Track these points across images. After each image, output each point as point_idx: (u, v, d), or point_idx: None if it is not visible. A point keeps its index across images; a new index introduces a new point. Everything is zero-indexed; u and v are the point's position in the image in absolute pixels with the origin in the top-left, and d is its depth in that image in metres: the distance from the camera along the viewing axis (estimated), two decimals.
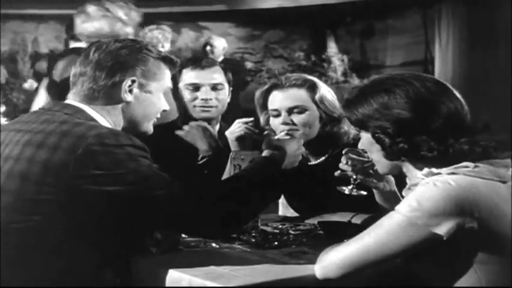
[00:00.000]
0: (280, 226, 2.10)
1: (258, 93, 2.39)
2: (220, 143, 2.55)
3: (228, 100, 2.63)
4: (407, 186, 1.67)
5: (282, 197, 2.66)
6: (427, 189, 1.50)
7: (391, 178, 2.00)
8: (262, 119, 2.40)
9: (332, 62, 8.30)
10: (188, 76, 2.56)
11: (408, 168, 1.64)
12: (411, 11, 7.22)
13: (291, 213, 2.53)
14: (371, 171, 1.95)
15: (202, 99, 2.53)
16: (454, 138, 1.56)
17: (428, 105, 1.57)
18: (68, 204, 1.53)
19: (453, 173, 1.53)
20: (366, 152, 1.78)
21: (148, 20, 8.07)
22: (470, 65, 5.91)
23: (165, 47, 5.80)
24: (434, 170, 1.57)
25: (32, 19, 8.01)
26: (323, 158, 2.39)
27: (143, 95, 1.76)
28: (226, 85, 2.59)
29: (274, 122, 2.31)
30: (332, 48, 8.53)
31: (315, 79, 2.36)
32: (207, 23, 8.35)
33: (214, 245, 1.91)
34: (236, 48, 8.71)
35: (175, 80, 2.58)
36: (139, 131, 1.80)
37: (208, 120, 2.56)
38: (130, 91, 1.73)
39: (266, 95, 2.36)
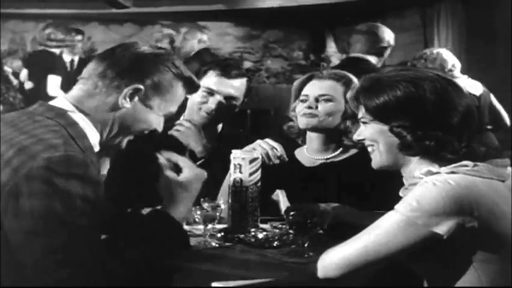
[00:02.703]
0: (280, 226, 2.10)
1: (296, 82, 2.47)
2: (215, 144, 2.54)
3: (236, 110, 2.60)
4: (405, 186, 1.66)
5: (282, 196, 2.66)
6: (426, 188, 1.50)
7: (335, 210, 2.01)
8: (292, 106, 2.44)
9: (331, 61, 8.30)
10: (210, 80, 2.52)
11: (411, 168, 1.63)
12: (411, 11, 7.21)
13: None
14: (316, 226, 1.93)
15: (210, 107, 2.51)
16: (468, 137, 1.56)
17: (451, 104, 1.57)
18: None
19: (452, 172, 1.53)
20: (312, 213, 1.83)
21: (146, 20, 8.09)
22: (469, 64, 5.90)
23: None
24: (433, 169, 1.57)
25: (31, 18, 8.00)
26: (336, 153, 2.40)
27: (142, 108, 1.66)
28: (241, 98, 2.57)
29: (300, 107, 2.37)
30: (331, 47, 8.52)
31: (354, 78, 2.40)
32: (206, 23, 8.33)
33: (214, 244, 1.91)
34: (235, 47, 8.70)
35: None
36: (110, 146, 1.69)
37: (206, 124, 2.55)
38: (131, 98, 1.65)
39: (304, 84, 2.42)
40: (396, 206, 1.52)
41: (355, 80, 2.40)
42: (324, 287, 1.57)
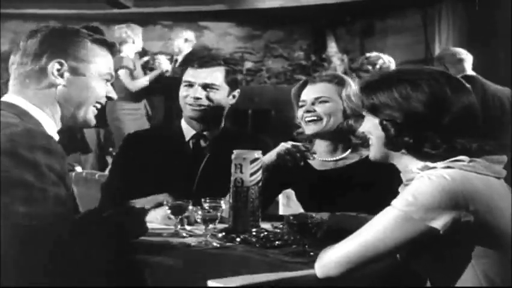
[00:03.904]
0: (281, 226, 2.10)
1: (293, 90, 2.53)
2: (218, 143, 2.56)
3: (231, 102, 2.61)
4: (404, 182, 1.67)
5: (281, 197, 2.67)
6: (422, 183, 1.51)
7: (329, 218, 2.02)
8: (296, 114, 2.50)
9: (332, 61, 8.31)
10: (187, 74, 2.60)
11: (405, 162, 1.64)
12: (412, 11, 7.22)
13: (293, 211, 2.53)
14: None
15: (192, 97, 2.55)
16: (464, 136, 1.57)
17: (445, 104, 1.58)
18: None
19: (448, 167, 1.54)
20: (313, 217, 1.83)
21: (147, 20, 8.10)
22: None
23: (136, 44, 5.80)
24: (429, 164, 1.58)
25: (32, 19, 8.01)
26: (345, 154, 2.42)
27: (77, 79, 1.72)
28: (225, 87, 2.57)
29: (300, 112, 2.44)
30: (332, 47, 8.53)
31: (346, 77, 2.47)
32: (207, 23, 8.35)
33: (215, 244, 1.91)
34: (236, 47, 8.71)
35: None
36: (77, 121, 1.75)
37: (198, 120, 2.56)
38: (61, 75, 1.69)
39: (300, 90, 2.49)
40: (393, 202, 1.53)
41: (347, 79, 2.46)
42: (325, 287, 1.57)
